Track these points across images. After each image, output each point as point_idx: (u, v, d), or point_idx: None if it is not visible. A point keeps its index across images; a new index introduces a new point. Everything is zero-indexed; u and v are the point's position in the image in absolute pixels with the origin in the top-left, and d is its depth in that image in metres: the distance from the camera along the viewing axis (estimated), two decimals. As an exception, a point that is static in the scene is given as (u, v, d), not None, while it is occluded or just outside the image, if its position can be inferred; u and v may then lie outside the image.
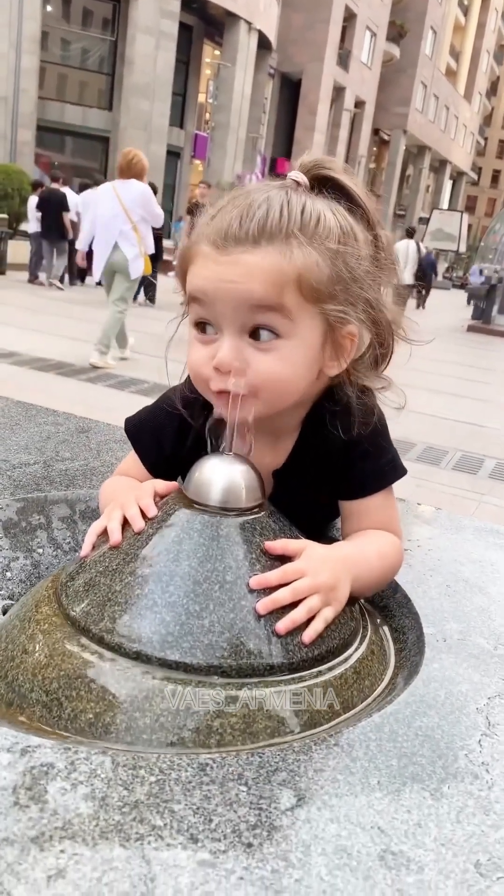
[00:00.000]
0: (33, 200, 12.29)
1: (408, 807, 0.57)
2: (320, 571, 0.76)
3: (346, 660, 0.75)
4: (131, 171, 6.31)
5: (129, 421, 1.04)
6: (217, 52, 29.21)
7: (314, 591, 0.74)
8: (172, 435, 1.00)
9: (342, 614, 0.77)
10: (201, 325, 0.86)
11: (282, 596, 0.73)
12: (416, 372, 9.01)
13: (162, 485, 0.87)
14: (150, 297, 11.47)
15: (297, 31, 33.51)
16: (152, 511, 0.81)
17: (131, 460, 1.03)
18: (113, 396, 5.73)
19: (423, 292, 18.46)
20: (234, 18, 26.43)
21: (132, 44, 24.07)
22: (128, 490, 0.87)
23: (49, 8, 24.25)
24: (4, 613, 0.89)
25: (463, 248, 33.42)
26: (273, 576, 0.74)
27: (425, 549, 1.06)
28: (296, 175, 0.88)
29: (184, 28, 25.50)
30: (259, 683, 0.68)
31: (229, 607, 0.71)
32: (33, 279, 12.28)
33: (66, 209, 11.84)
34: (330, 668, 0.73)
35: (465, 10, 55.93)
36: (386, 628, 0.89)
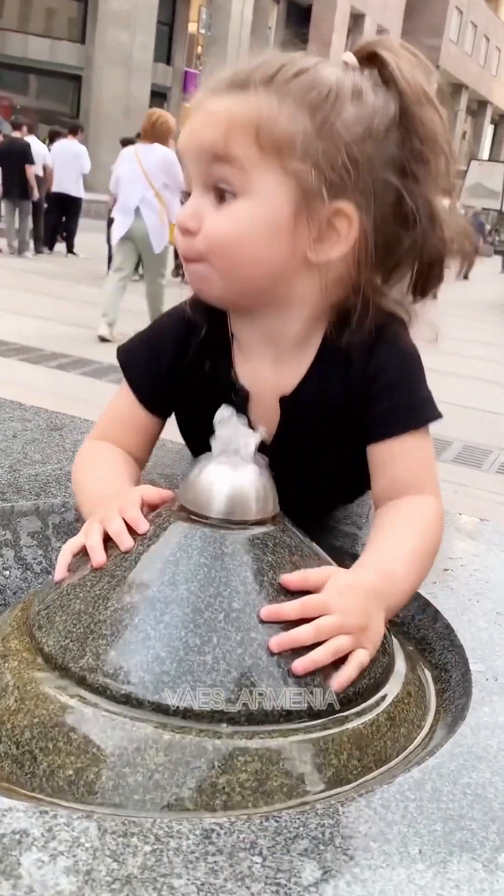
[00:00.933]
0: None
1: (456, 881, 0.56)
2: (349, 609, 0.74)
3: (377, 703, 0.75)
4: (154, 133, 6.84)
5: (121, 346, 1.11)
6: (211, -27, 29.25)
7: (342, 632, 0.73)
8: (172, 344, 1.05)
9: (372, 648, 0.77)
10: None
11: (303, 635, 0.71)
12: (451, 356, 9.00)
13: (151, 492, 0.87)
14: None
15: None
16: (142, 526, 0.80)
17: (121, 397, 1.07)
18: (89, 386, 5.73)
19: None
20: None
21: (109, -37, 24.14)
22: (110, 499, 0.87)
23: None
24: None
25: (508, 207, 33.38)
26: (290, 609, 0.72)
27: (470, 570, 1.06)
28: (346, 56, 0.96)
29: None
30: (273, 732, 0.68)
31: (237, 640, 0.70)
32: None
33: (30, 162, 11.81)
34: (359, 714, 0.72)
35: None
36: (425, 665, 0.88)
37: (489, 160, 44.73)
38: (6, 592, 1.00)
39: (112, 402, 1.09)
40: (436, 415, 0.97)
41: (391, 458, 0.96)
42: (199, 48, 30.37)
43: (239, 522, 0.77)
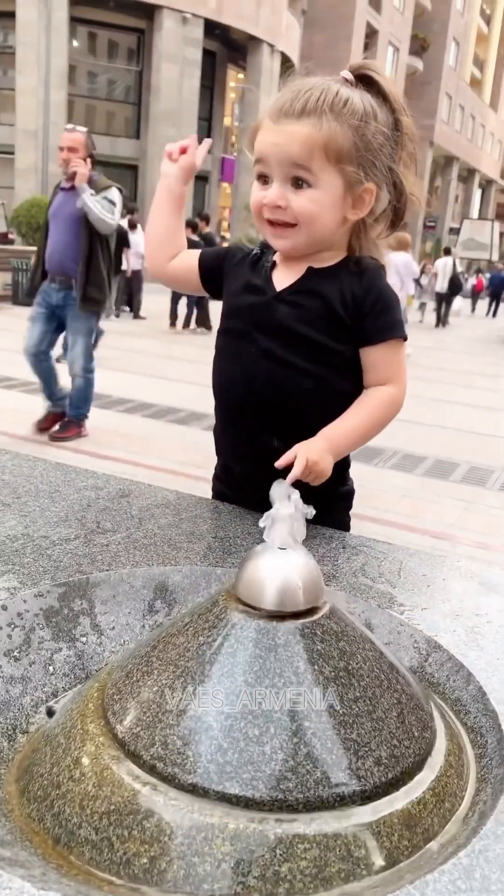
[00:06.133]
0: None
1: None
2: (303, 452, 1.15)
3: (423, 780, 0.67)
4: (398, 245, 9.48)
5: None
6: (241, 76, 29.48)
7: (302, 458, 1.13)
8: (234, 254, 1.39)
9: (415, 726, 0.70)
10: (261, 178, 1.23)
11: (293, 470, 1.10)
12: (452, 386, 8.84)
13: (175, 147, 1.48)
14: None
15: (319, 49, 33.62)
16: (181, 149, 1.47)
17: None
18: (152, 426, 5.70)
19: (446, 306, 18.07)
20: (257, 42, 26.64)
21: (157, 72, 24.40)
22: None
23: (75, 43, 24.76)
24: (50, 715, 0.83)
25: (495, 257, 33.00)
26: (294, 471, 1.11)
27: (496, 626, 0.97)
28: (345, 73, 1.22)
29: (207, 54, 25.76)
30: (329, 818, 0.61)
31: (292, 730, 0.64)
32: None
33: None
34: (407, 793, 0.65)
35: (488, 20, 55.73)
36: (461, 727, 0.81)
37: (478, 218, 44.35)
38: (84, 657, 0.94)
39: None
40: (402, 333, 1.30)
41: (381, 357, 1.28)
42: (233, 137, 30.58)
43: (289, 614, 0.71)
